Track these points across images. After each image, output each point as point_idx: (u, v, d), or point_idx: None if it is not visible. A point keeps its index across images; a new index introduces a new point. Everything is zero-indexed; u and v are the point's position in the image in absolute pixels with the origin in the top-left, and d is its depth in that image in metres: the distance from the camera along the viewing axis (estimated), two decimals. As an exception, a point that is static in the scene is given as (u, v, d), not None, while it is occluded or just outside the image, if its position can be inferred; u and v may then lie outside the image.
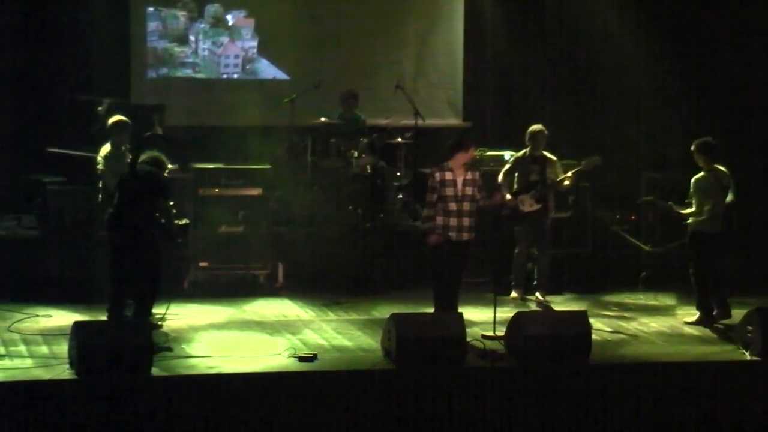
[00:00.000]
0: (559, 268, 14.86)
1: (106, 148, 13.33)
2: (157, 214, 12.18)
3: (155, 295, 12.34)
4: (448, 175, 12.71)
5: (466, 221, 12.71)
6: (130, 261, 12.14)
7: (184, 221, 12.49)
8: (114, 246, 12.21)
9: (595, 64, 16.68)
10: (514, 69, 16.62)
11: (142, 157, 12.36)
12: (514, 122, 15.10)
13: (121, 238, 12.12)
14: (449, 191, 12.68)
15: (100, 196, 13.36)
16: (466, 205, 12.72)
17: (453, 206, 12.68)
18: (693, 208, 13.39)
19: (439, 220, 12.73)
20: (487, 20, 16.72)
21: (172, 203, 12.41)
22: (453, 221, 12.71)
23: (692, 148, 13.44)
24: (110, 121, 13.38)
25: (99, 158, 13.35)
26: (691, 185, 13.45)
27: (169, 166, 12.95)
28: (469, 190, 12.75)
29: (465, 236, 12.74)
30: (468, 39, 16.97)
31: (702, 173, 13.44)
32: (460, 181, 12.71)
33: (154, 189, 12.18)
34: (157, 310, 12.54)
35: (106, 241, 12.43)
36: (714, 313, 13.41)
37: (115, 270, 12.28)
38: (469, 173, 12.83)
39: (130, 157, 12.57)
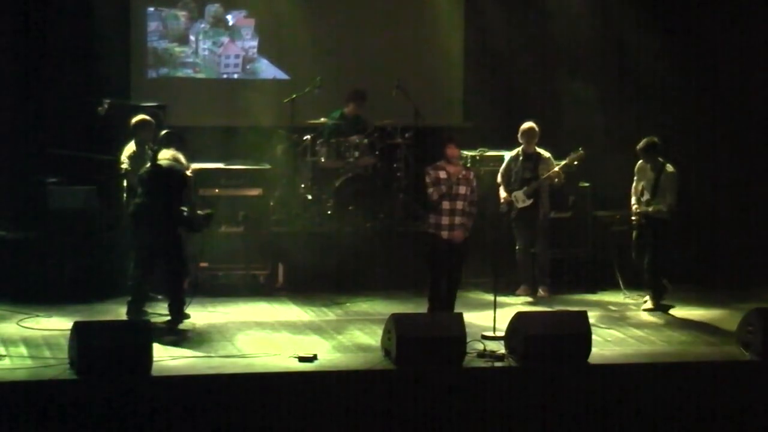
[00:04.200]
0: (559, 268, 14.86)
1: (130, 148, 13.42)
2: (182, 208, 12.47)
3: (180, 292, 12.64)
4: (442, 174, 12.70)
5: (458, 220, 12.69)
6: (157, 255, 12.41)
7: (207, 211, 12.79)
8: (140, 241, 12.44)
9: (596, 64, 16.65)
10: (514, 69, 16.59)
11: (164, 153, 12.54)
12: (514, 122, 15.07)
13: (148, 232, 12.40)
14: (442, 189, 12.66)
15: (125, 195, 13.44)
16: (459, 204, 12.70)
17: (446, 204, 12.67)
18: (666, 200, 14.02)
19: (432, 218, 12.72)
20: (487, 20, 16.68)
21: (195, 196, 12.72)
22: (445, 220, 12.70)
23: (640, 150, 14.09)
24: (134, 120, 13.52)
25: (123, 158, 13.43)
26: (661, 180, 14.04)
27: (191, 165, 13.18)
28: (462, 189, 12.71)
29: (457, 235, 12.71)
30: (468, 39, 16.95)
31: (666, 168, 14.05)
32: (453, 180, 12.69)
33: (179, 182, 12.50)
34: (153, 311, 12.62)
35: (131, 235, 12.69)
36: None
37: (142, 265, 12.45)
38: (463, 172, 12.80)
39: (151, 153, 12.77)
